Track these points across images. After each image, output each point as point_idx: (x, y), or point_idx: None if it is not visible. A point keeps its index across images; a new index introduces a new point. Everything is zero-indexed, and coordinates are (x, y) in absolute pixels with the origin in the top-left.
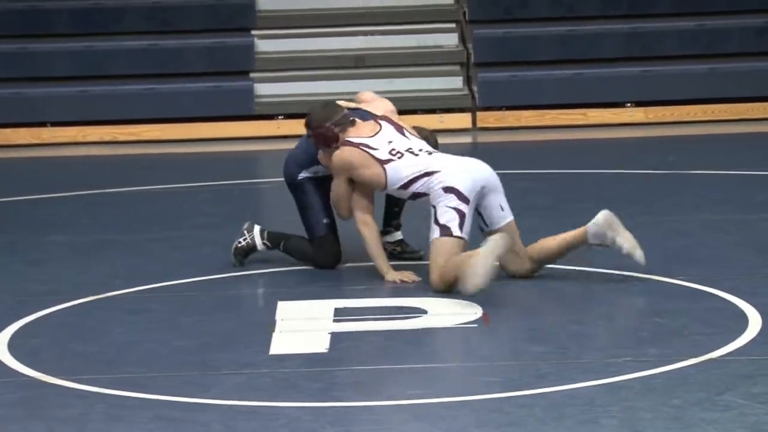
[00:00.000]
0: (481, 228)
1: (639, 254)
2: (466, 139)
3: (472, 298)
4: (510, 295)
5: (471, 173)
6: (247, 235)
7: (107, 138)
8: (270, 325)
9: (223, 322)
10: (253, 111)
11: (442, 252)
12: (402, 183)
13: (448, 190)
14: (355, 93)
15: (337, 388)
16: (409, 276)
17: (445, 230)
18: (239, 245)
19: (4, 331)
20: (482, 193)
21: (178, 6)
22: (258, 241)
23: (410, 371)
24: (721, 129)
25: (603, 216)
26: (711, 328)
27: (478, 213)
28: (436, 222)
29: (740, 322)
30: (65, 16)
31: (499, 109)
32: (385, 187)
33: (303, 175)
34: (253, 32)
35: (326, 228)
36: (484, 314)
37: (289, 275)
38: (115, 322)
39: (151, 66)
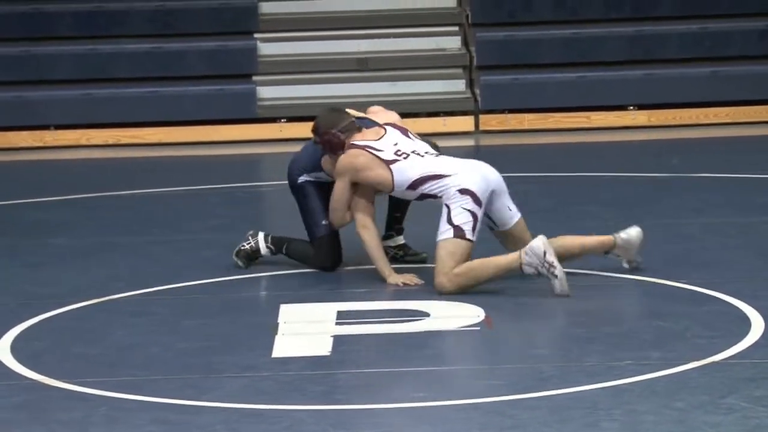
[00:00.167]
0: (490, 227)
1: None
2: (469, 142)
3: (474, 300)
4: (512, 298)
5: (483, 176)
6: (251, 240)
7: (110, 141)
8: (273, 328)
9: (225, 325)
10: (255, 114)
11: (452, 253)
12: (409, 183)
13: (465, 192)
14: (358, 96)
15: (339, 391)
16: (411, 279)
17: (459, 231)
18: (242, 248)
19: (7, 334)
20: (491, 197)
21: (181, 9)
22: (262, 245)
23: (413, 374)
24: (723, 132)
25: (637, 235)
26: (713, 331)
27: (485, 215)
28: (450, 221)
29: (742, 325)
30: (68, 19)
31: (502, 112)
32: (392, 188)
33: (304, 178)
34: (256, 35)
35: (326, 229)
36: (486, 317)
37: (292, 278)
38: (118, 325)
39: (154, 69)
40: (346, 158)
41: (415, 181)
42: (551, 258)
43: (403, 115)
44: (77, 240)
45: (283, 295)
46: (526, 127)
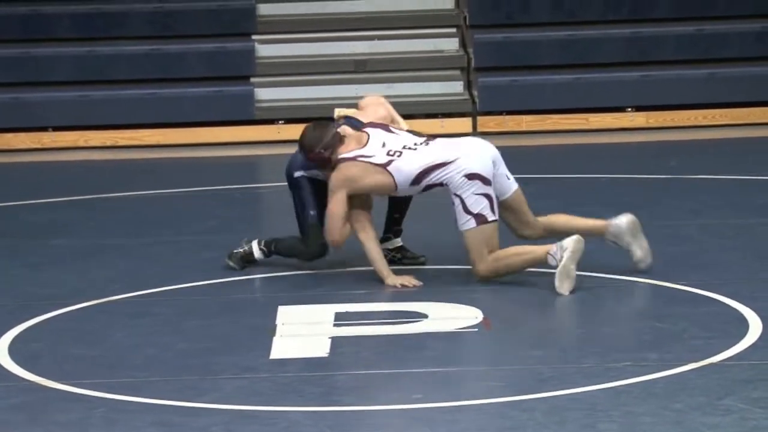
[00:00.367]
0: None
1: (645, 265)
2: None
3: (472, 302)
4: (511, 299)
5: (483, 154)
6: (245, 245)
7: (108, 143)
8: (271, 330)
9: (224, 327)
10: (253, 116)
11: (483, 240)
12: (412, 179)
13: (472, 176)
14: (356, 98)
15: (337, 392)
16: (409, 280)
17: (481, 218)
18: (235, 251)
19: (5, 336)
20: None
21: (179, 11)
22: (255, 249)
23: (411, 376)
24: (721, 134)
25: (627, 220)
26: (711, 332)
27: None
28: (468, 212)
29: (740, 326)
30: (67, 20)
31: (500, 113)
32: (396, 188)
33: (300, 173)
34: (254, 37)
35: (314, 218)
36: (484, 318)
37: (290, 280)
38: (116, 327)
39: (152, 71)
40: (339, 173)
41: (418, 175)
42: (566, 254)
43: (402, 117)
44: (76, 241)
45: (281, 297)
46: (524, 128)
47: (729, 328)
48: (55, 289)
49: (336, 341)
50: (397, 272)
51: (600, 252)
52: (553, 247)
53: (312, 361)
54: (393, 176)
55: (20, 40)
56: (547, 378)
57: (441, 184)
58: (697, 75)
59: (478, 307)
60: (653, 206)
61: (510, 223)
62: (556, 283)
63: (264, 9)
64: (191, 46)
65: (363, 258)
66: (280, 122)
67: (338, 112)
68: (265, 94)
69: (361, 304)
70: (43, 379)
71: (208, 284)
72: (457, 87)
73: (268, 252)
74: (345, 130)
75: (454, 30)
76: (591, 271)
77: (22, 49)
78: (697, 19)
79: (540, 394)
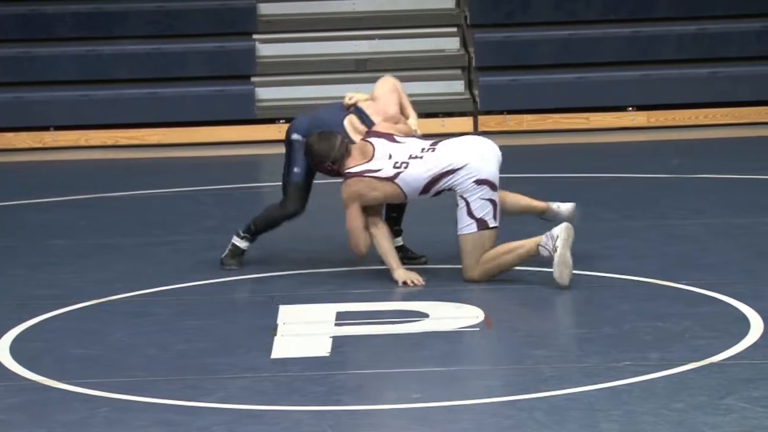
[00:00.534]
0: None
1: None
2: None
3: (473, 301)
4: (511, 298)
5: (490, 159)
6: (229, 245)
7: (109, 142)
8: (272, 329)
9: (225, 326)
10: (254, 115)
11: (480, 245)
12: (420, 189)
13: (482, 182)
14: None
15: (338, 391)
16: (416, 278)
17: (482, 224)
18: (223, 256)
19: (6, 335)
20: None
21: (180, 10)
22: (237, 240)
23: (412, 375)
24: (722, 133)
25: (567, 210)
26: (712, 332)
27: None
28: (472, 215)
29: (742, 326)
30: (68, 20)
31: (501, 113)
32: (405, 198)
33: (296, 137)
34: (255, 36)
35: (299, 176)
36: (485, 318)
37: (291, 279)
38: (117, 326)
39: (153, 70)
40: (348, 189)
41: (426, 184)
42: (559, 242)
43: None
44: (77, 241)
45: (282, 296)
46: (524, 128)
47: (730, 328)
48: (56, 289)
49: (337, 341)
50: None
51: (600, 252)
52: (542, 238)
53: (313, 361)
54: (401, 188)
55: (21, 39)
56: (548, 377)
57: (451, 189)
58: (698, 74)
59: (479, 307)
60: (654, 206)
61: None
62: (555, 273)
63: (265, 8)
64: (192, 45)
65: (363, 258)
66: (280, 122)
67: (349, 96)
68: (266, 94)
69: (362, 304)
70: (45, 379)
71: (208, 284)
72: (458, 86)
73: (250, 235)
74: (352, 121)
75: (455, 29)
76: (591, 271)
77: (23, 48)
78: (698, 18)
79: (540, 393)
